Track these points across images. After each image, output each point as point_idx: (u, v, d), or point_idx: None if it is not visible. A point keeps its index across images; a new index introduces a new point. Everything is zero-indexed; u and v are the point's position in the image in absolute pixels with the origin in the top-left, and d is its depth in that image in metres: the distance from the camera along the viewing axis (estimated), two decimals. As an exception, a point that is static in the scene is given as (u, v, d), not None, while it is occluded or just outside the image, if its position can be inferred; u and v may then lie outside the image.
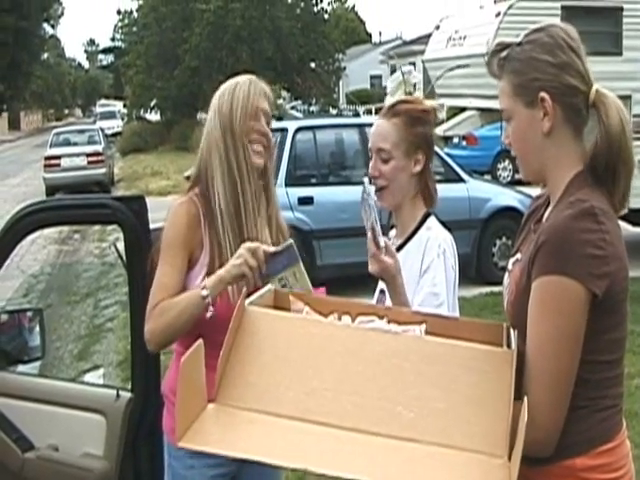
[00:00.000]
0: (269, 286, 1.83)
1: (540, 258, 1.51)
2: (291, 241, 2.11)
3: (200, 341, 1.48)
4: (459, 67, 9.47)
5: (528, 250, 1.59)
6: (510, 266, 1.73)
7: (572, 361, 1.49)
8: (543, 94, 1.59)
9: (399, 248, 2.24)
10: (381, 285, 2.27)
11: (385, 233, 2.10)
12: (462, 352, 1.47)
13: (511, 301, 1.65)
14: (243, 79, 2.33)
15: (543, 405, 1.47)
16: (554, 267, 1.48)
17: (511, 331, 1.56)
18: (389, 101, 2.43)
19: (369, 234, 2.01)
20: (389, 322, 1.68)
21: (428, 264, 2.15)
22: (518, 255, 1.72)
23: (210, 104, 2.32)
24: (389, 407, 1.41)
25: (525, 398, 1.33)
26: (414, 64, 34.99)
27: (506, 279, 1.74)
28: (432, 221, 2.27)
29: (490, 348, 1.49)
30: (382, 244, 1.99)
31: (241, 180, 2.23)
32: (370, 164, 2.29)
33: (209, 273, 2.15)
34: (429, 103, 2.31)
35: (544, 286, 1.50)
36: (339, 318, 1.70)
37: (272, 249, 2.09)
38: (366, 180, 2.08)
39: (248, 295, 1.64)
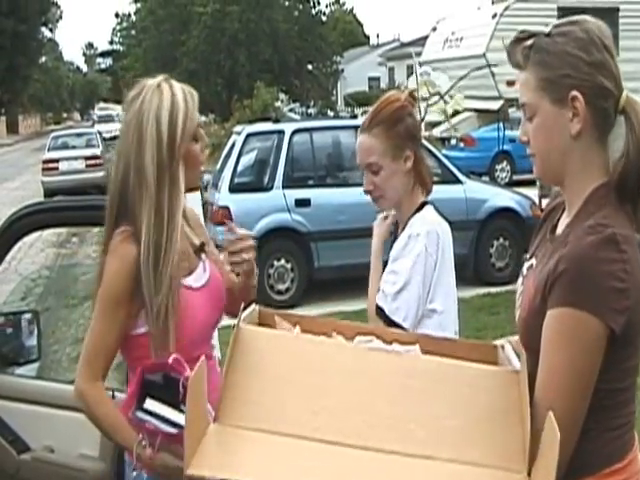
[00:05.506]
0: (254, 305, 1.71)
1: (559, 287, 1.42)
2: None
3: (203, 359, 1.39)
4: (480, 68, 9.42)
5: (545, 267, 1.49)
6: (525, 271, 1.64)
7: (584, 399, 1.43)
8: (575, 93, 1.46)
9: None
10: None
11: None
12: (467, 371, 1.44)
13: (523, 317, 1.56)
14: (165, 93, 1.87)
15: None
16: (573, 300, 1.40)
17: (506, 347, 1.53)
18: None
19: None
20: (388, 342, 1.63)
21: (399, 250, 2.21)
22: (533, 261, 1.62)
23: (126, 122, 1.90)
24: (400, 425, 1.36)
25: (550, 413, 1.24)
26: (411, 67, 35.02)
27: (520, 285, 1.65)
28: (427, 209, 2.30)
29: (495, 368, 1.48)
30: None
31: (169, 216, 1.89)
32: (364, 180, 2.32)
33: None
34: (402, 95, 2.32)
35: (561, 318, 1.42)
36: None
37: None
38: None
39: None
